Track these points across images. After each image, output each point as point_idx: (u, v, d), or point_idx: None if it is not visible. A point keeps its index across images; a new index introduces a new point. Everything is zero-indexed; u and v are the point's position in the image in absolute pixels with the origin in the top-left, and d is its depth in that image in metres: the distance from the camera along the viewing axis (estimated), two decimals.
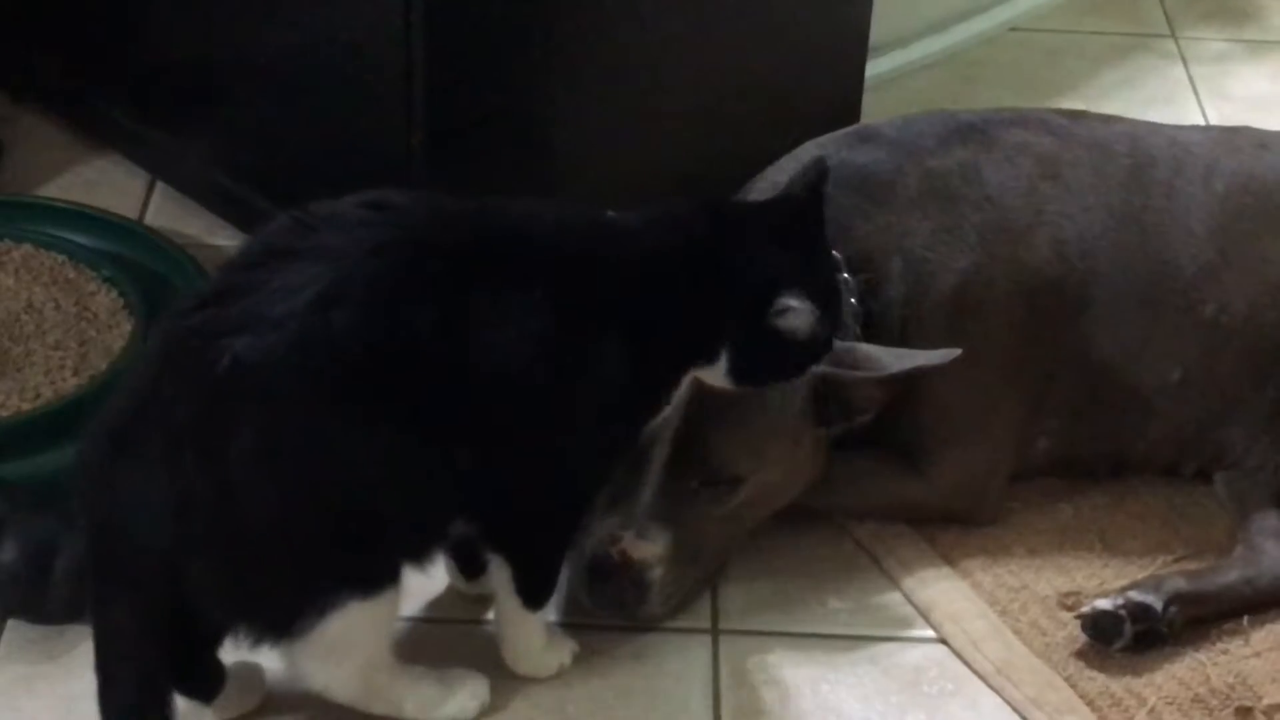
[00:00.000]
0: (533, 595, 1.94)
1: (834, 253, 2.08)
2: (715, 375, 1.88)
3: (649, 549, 1.99)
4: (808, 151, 2.22)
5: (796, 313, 1.83)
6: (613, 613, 2.03)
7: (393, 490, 1.75)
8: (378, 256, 1.75)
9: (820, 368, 1.99)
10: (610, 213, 1.88)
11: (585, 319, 1.79)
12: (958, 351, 2.02)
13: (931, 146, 2.18)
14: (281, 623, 1.77)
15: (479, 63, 2.27)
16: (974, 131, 2.20)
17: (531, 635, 1.98)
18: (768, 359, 1.87)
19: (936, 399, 2.12)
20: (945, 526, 2.20)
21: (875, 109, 2.92)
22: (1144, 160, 2.22)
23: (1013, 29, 3.22)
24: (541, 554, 1.92)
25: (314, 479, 1.72)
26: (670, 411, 1.96)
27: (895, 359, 2.03)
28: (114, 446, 1.74)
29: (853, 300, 2.10)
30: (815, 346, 1.88)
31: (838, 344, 2.03)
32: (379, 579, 1.80)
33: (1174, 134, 2.30)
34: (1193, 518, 2.25)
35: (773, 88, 2.68)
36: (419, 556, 1.84)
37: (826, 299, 1.87)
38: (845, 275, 2.10)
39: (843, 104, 2.78)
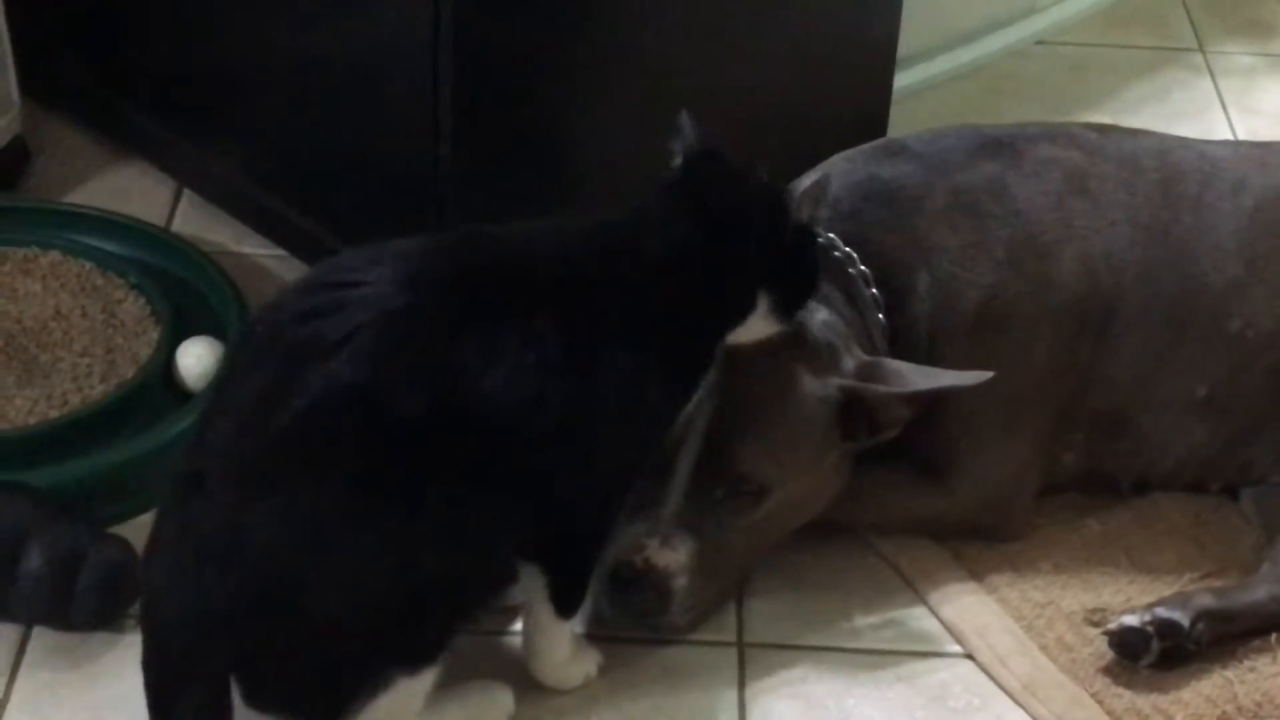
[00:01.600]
0: (565, 602, 1.94)
1: (862, 268, 2.09)
2: (755, 323, 1.91)
3: (673, 557, 1.99)
4: (834, 165, 2.22)
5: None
6: (634, 622, 2.03)
7: (444, 558, 1.75)
8: (373, 327, 1.74)
9: (848, 382, 2.00)
10: (592, 218, 1.89)
11: (590, 337, 1.79)
12: (988, 374, 2.02)
13: (959, 161, 2.17)
14: (330, 711, 1.77)
15: (505, 73, 2.26)
16: (1001, 146, 2.20)
17: (559, 645, 1.98)
18: (802, 283, 1.91)
19: (962, 413, 2.12)
20: (970, 541, 2.20)
21: (901, 121, 2.93)
22: (1172, 175, 2.22)
23: (1039, 42, 3.21)
24: (576, 562, 1.92)
25: (365, 564, 1.72)
26: (696, 419, 1.96)
27: (923, 377, 2.03)
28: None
29: (880, 316, 2.10)
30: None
31: (866, 358, 2.03)
32: (431, 653, 1.80)
33: (1203, 149, 2.29)
34: (1218, 534, 2.24)
35: (800, 100, 2.67)
36: (470, 619, 1.84)
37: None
38: (872, 291, 2.10)
39: (870, 117, 2.77)
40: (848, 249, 2.12)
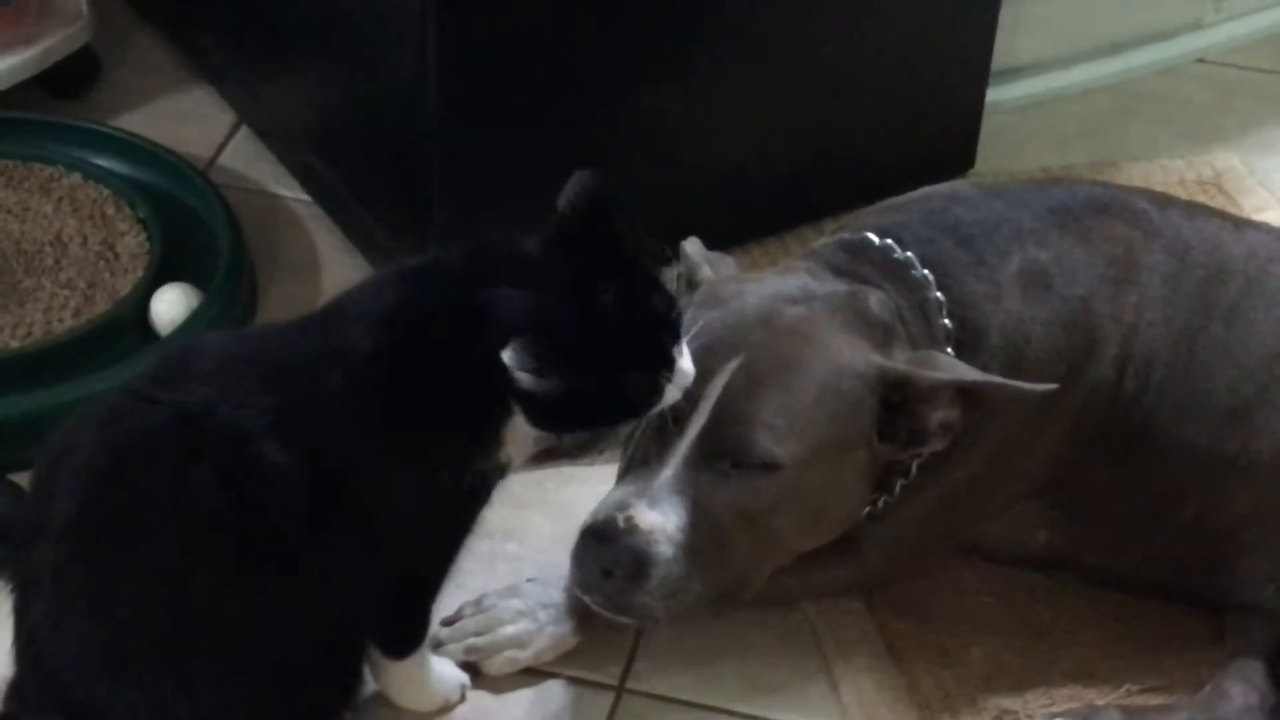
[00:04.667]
0: (391, 649, 1.87)
1: (938, 295, 1.95)
2: (520, 427, 1.74)
3: (660, 522, 1.80)
4: (912, 204, 2.07)
5: (519, 361, 1.65)
6: (601, 592, 1.82)
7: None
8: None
9: (891, 364, 1.85)
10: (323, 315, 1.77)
11: (320, 456, 1.69)
12: (1053, 386, 1.87)
13: (1030, 227, 2.01)
14: None
15: (495, 48, 2.20)
16: (1070, 218, 2.02)
17: (403, 673, 1.90)
18: (554, 412, 1.71)
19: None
20: (903, 614, 2.06)
21: (1017, 133, 2.79)
22: (1216, 274, 2.02)
23: (1199, 60, 2.98)
24: (399, 612, 1.85)
25: None
26: (717, 377, 1.81)
27: (976, 373, 1.87)
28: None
29: (944, 321, 1.95)
30: (602, 393, 1.70)
31: (913, 350, 1.89)
32: None
33: (1260, 242, 2.08)
34: (1184, 648, 2.06)
35: (882, 105, 2.55)
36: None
37: (577, 341, 1.66)
38: (944, 321, 1.96)
39: (955, 143, 2.63)
40: (926, 271, 1.98)
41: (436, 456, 1.72)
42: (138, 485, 1.67)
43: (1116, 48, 2.93)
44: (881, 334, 1.89)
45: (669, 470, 1.82)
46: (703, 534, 1.82)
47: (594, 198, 1.74)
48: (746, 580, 1.91)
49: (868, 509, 1.96)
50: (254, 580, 1.68)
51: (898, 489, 1.96)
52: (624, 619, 1.85)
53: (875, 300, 1.91)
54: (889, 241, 1.98)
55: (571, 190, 1.75)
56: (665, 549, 1.80)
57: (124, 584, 1.67)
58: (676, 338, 1.74)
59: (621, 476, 1.87)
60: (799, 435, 1.83)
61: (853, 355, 1.85)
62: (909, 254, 1.97)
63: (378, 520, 1.72)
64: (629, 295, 1.70)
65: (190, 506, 1.66)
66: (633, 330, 1.70)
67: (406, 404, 1.70)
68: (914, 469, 1.95)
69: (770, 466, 1.83)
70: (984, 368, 1.94)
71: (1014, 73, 2.82)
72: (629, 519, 1.80)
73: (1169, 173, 2.70)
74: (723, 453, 1.82)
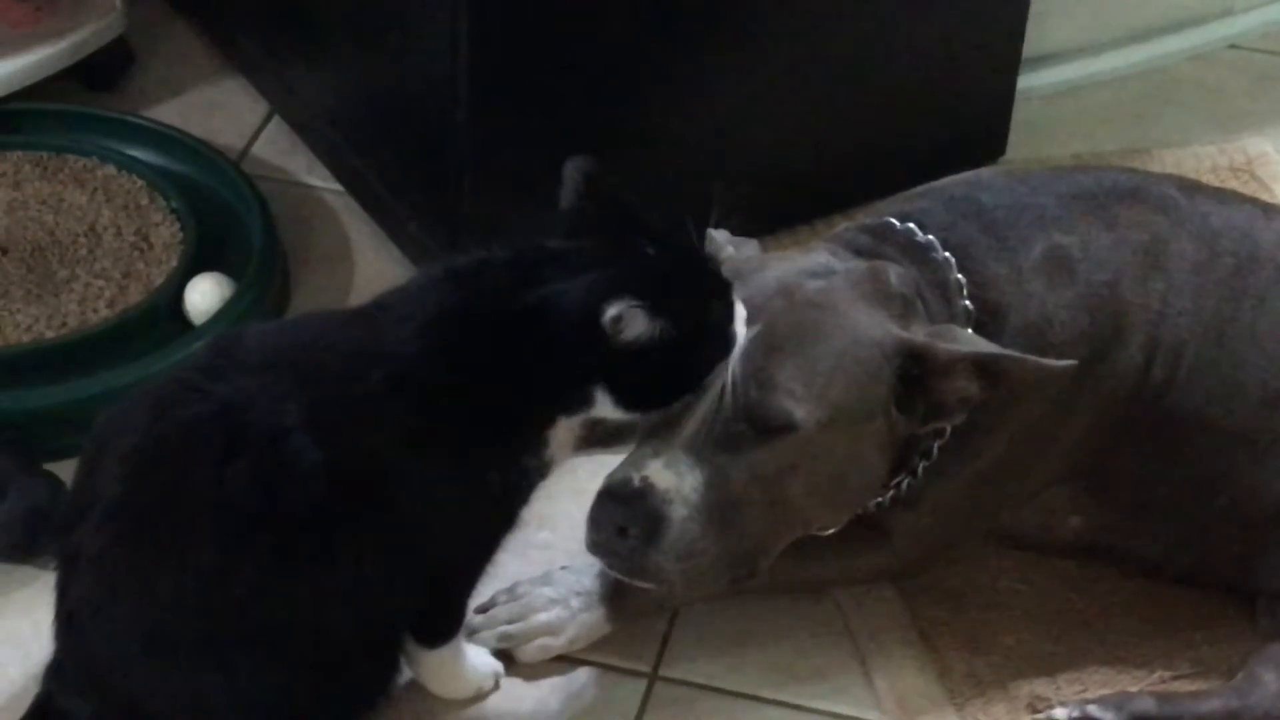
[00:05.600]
0: (427, 637, 1.88)
1: (959, 277, 1.95)
2: (606, 412, 1.76)
3: (675, 481, 1.80)
4: (935, 191, 2.08)
5: (627, 318, 1.67)
6: (615, 553, 1.82)
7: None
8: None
9: (911, 336, 1.85)
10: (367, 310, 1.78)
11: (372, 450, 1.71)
12: (1072, 363, 1.86)
13: (1055, 213, 2.01)
14: None
15: (526, 45, 2.21)
16: (1095, 204, 2.02)
17: (438, 662, 1.91)
18: (649, 379, 1.73)
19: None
20: (936, 601, 2.06)
21: (1048, 120, 2.78)
22: (1246, 262, 2.01)
23: (1232, 46, 2.97)
24: (438, 603, 1.86)
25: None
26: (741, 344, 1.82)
27: (996, 347, 1.86)
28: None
29: (965, 303, 1.95)
30: (689, 340, 1.72)
31: (934, 324, 1.88)
32: None
33: None
34: (1216, 636, 2.06)
35: (913, 92, 2.54)
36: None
37: (664, 286, 1.69)
38: (965, 303, 1.95)
39: (987, 128, 2.63)
40: (947, 254, 1.98)
41: (481, 459, 1.73)
42: (180, 475, 1.68)
43: (1148, 34, 2.91)
44: (900, 307, 1.89)
45: (686, 433, 1.82)
46: (718, 497, 1.81)
47: (595, 181, 1.76)
48: (763, 549, 1.89)
49: (891, 491, 1.96)
50: (290, 573, 1.69)
51: (920, 470, 1.95)
52: (639, 582, 1.85)
53: (895, 274, 1.91)
54: (911, 225, 1.99)
55: (571, 180, 1.77)
56: (680, 509, 1.80)
57: (164, 571, 1.68)
58: (728, 285, 1.76)
59: (640, 441, 1.87)
60: (816, 399, 1.82)
61: (871, 325, 1.86)
62: (930, 237, 1.97)
63: (415, 519, 1.72)
64: (673, 249, 1.74)
65: (229, 500, 1.67)
66: (696, 276, 1.73)
67: (453, 406, 1.71)
68: (935, 450, 1.94)
69: (787, 429, 1.82)
70: (1011, 337, 1.94)
71: (1045, 59, 2.81)
72: (645, 479, 1.80)
73: (1201, 159, 2.69)
74: (740, 416, 1.82)
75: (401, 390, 1.70)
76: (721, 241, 2.00)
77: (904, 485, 1.97)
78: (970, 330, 1.94)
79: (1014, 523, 2.09)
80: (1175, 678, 2.01)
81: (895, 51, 2.50)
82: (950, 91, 2.58)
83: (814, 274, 1.90)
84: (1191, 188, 2.11)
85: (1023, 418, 1.96)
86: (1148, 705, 1.92)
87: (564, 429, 1.76)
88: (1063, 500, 2.07)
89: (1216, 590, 2.09)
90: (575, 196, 1.76)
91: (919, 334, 1.87)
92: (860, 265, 1.92)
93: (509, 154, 2.25)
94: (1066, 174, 2.11)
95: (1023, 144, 2.67)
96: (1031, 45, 2.65)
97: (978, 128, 2.65)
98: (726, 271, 1.88)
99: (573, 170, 1.77)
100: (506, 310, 1.70)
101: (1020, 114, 2.67)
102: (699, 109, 2.37)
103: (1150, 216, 2.02)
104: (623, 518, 1.80)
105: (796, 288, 1.88)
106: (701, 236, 1.91)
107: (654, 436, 1.84)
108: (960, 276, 1.96)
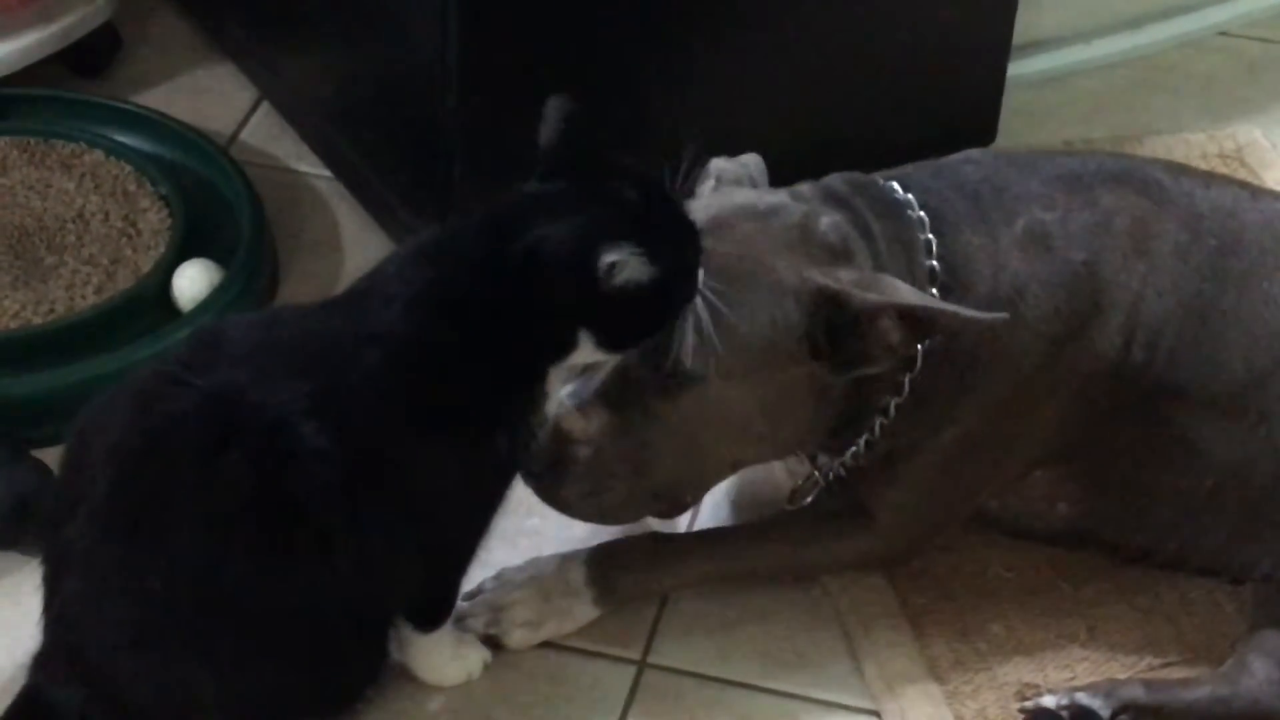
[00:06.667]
0: (422, 621, 1.88)
1: (930, 237, 1.95)
2: (586, 356, 1.77)
3: (581, 425, 1.85)
4: (924, 164, 2.07)
5: (626, 265, 1.69)
6: (535, 484, 1.89)
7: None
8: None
9: (828, 281, 1.85)
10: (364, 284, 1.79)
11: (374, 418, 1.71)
12: (1003, 315, 1.89)
13: (1039, 192, 2.02)
14: None
15: (518, 27, 2.20)
16: (1080, 185, 2.02)
17: (429, 648, 1.91)
18: (631, 319, 1.75)
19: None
20: (924, 588, 2.06)
21: (1038, 107, 2.78)
22: (1229, 244, 2.01)
23: (1222, 33, 2.97)
24: (433, 586, 1.85)
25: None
26: None
27: (919, 296, 1.87)
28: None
29: (932, 263, 1.95)
30: (666, 282, 1.73)
31: (861, 272, 1.88)
32: None
33: (1277, 212, 2.07)
34: (1204, 622, 2.06)
35: (903, 79, 2.54)
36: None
37: (650, 231, 1.72)
38: (932, 263, 1.95)
39: (978, 115, 2.63)
40: (922, 214, 1.98)
41: (488, 423, 1.74)
42: (169, 469, 1.68)
43: (1138, 21, 2.91)
44: (826, 255, 1.89)
45: (600, 376, 1.86)
46: (624, 441, 1.87)
47: (574, 121, 1.77)
48: (687, 487, 1.95)
49: (853, 448, 1.97)
50: (285, 564, 1.69)
51: (878, 428, 1.96)
52: (561, 512, 1.92)
53: (826, 222, 1.91)
54: (893, 183, 2.00)
55: (551, 119, 1.78)
56: (583, 450, 1.86)
57: (155, 567, 1.68)
58: (696, 229, 1.79)
59: (565, 382, 1.88)
60: (725, 349, 1.83)
61: (787, 273, 1.86)
62: (910, 196, 1.98)
63: (419, 496, 1.73)
64: (644, 189, 1.75)
65: (221, 491, 1.66)
66: (666, 218, 1.75)
67: (456, 375, 1.72)
68: (893, 408, 1.95)
69: (692, 378, 1.84)
70: (974, 304, 1.93)
71: (1035, 46, 2.81)
72: (556, 421, 1.85)
73: (1191, 146, 2.69)
74: (651, 362, 1.84)
75: (402, 367, 1.71)
76: (710, 172, 2.00)
77: (864, 444, 1.97)
78: (934, 290, 1.94)
79: (1001, 509, 2.09)
80: (1164, 665, 2.01)
81: (885, 39, 2.50)
82: (941, 78, 2.58)
83: (754, 215, 1.90)
84: (1178, 170, 2.11)
85: (993, 390, 1.97)
86: (1136, 692, 1.92)
87: (553, 380, 1.78)
88: (1049, 486, 2.07)
89: (1205, 576, 2.09)
90: (555, 135, 1.77)
91: (844, 279, 1.86)
92: (797, 210, 1.91)
93: (498, 139, 2.23)
94: (1054, 156, 2.12)
95: (1013, 131, 2.66)
96: (1022, 32, 2.64)
97: (968, 115, 2.64)
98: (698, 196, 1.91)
99: (553, 109, 1.78)
100: (496, 260, 1.71)
101: (1010, 101, 2.66)
102: (689, 95, 2.36)
103: (1134, 199, 2.02)
104: (534, 456, 1.85)
105: (726, 228, 1.88)
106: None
107: (580, 378, 1.87)
108: (931, 237, 1.96)
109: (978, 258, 1.97)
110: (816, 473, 2.04)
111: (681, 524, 2.10)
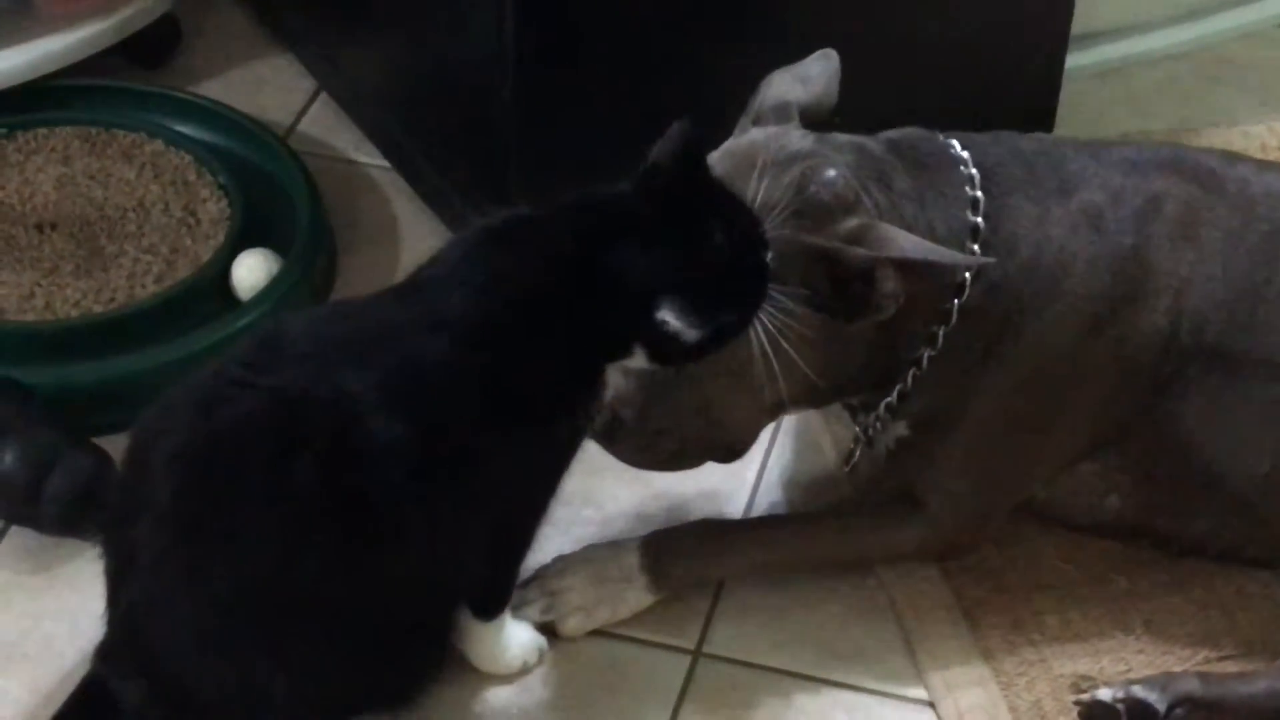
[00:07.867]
0: (483, 608, 1.89)
1: (978, 194, 1.98)
2: (640, 363, 1.79)
3: (625, 387, 1.88)
4: (993, 132, 2.09)
5: (677, 327, 1.72)
6: (599, 441, 1.94)
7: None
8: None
9: (822, 241, 1.87)
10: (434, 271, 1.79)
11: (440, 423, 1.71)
12: (991, 260, 1.93)
13: (1094, 173, 2.04)
14: None
15: (574, 23, 2.20)
16: (1135, 171, 2.04)
17: (488, 636, 1.92)
18: (681, 349, 1.75)
19: (969, 424, 2.00)
20: (979, 580, 2.06)
21: (1096, 99, 2.77)
22: None
23: None
24: (494, 575, 1.87)
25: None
26: None
27: (914, 245, 1.88)
28: None
29: (976, 220, 1.97)
30: (726, 330, 1.76)
31: (859, 223, 1.89)
32: None
33: None
34: (1258, 614, 2.05)
35: (960, 70, 2.54)
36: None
37: (714, 289, 1.74)
38: (976, 219, 1.98)
39: (1036, 97, 2.62)
40: (975, 171, 2.00)
41: (552, 411, 1.75)
42: (238, 471, 1.68)
43: (1197, 12, 2.90)
44: (820, 210, 1.89)
45: None
46: (661, 397, 1.91)
47: (691, 145, 1.76)
48: (726, 435, 1.97)
49: (888, 400, 2.00)
50: (359, 560, 1.70)
51: (910, 379, 1.98)
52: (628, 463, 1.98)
53: (831, 175, 1.91)
54: (953, 140, 2.02)
55: (671, 140, 1.77)
56: (627, 412, 1.90)
57: (224, 570, 1.68)
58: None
59: None
60: None
61: (776, 231, 1.85)
62: (966, 154, 2.01)
63: (488, 482, 1.73)
64: (737, 235, 1.76)
65: (292, 494, 1.67)
66: (746, 268, 1.76)
67: (524, 363, 1.73)
68: (925, 360, 1.97)
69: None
70: (1008, 279, 1.97)
71: (1093, 38, 2.80)
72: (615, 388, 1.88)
73: (1250, 139, 2.68)
74: None
75: (473, 354, 1.71)
76: (767, 93, 2.03)
77: (897, 395, 1.99)
78: (976, 247, 1.96)
79: (1051, 503, 2.09)
80: (1220, 658, 2.01)
81: (942, 30, 2.49)
82: (998, 69, 2.57)
83: (758, 169, 1.90)
84: (1232, 157, 2.12)
85: (1025, 359, 1.98)
86: (1192, 685, 1.91)
87: (612, 374, 1.80)
88: (1098, 479, 2.07)
89: (1261, 569, 2.09)
90: (668, 154, 1.77)
91: (838, 233, 1.88)
92: (800, 165, 1.91)
93: (555, 131, 2.25)
94: (1112, 144, 2.14)
95: (1070, 123, 2.65)
96: (1080, 23, 2.63)
97: (1025, 106, 2.63)
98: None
99: (679, 129, 1.78)
100: (572, 262, 1.72)
101: (1068, 93, 2.65)
102: (747, 85, 2.36)
103: (1184, 185, 2.04)
104: (598, 422, 1.88)
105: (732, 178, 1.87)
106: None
107: None
108: (980, 195, 1.98)
109: (1024, 223, 1.99)
110: (858, 430, 2.06)
111: (738, 510, 2.12)
